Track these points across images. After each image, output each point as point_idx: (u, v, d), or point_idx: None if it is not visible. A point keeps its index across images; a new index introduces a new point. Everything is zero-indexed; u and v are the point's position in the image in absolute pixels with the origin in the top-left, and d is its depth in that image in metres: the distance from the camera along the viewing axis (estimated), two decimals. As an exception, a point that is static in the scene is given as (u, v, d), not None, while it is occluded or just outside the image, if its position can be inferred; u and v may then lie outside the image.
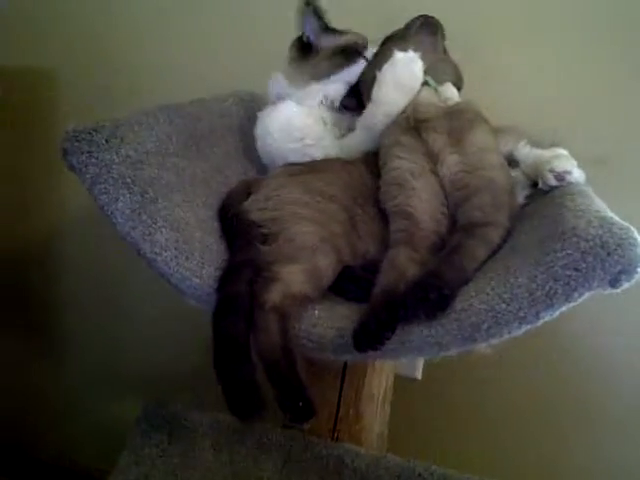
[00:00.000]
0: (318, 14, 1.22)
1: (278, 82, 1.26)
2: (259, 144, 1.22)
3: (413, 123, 1.05)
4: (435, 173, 1.00)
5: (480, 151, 1.00)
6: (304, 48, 1.25)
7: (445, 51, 1.23)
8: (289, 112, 1.19)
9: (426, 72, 1.11)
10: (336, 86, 1.21)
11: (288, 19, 1.22)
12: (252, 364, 0.83)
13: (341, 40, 1.24)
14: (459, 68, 1.21)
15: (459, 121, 1.03)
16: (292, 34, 1.25)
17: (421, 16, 1.19)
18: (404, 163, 1.02)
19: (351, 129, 1.19)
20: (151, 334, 1.89)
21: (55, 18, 1.71)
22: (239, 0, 1.59)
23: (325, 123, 1.19)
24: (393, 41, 1.19)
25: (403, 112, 1.08)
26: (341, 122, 1.21)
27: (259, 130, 1.22)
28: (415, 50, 1.10)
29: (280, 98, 1.23)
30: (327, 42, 1.25)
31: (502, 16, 1.45)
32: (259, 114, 1.24)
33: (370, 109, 1.12)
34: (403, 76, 1.09)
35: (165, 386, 1.77)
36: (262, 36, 1.49)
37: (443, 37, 1.22)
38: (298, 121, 1.18)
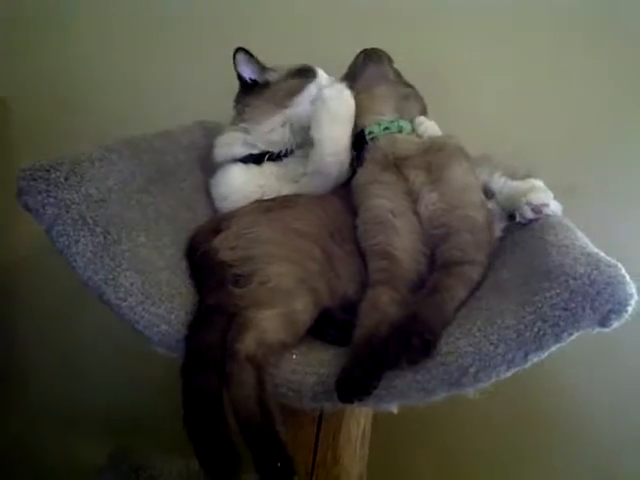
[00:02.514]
0: (252, 57, 1.20)
1: (228, 143, 1.20)
2: (219, 206, 1.17)
3: (393, 160, 1.03)
4: (415, 211, 0.98)
5: (460, 189, 0.98)
6: (251, 88, 1.20)
7: (399, 74, 1.22)
8: (240, 178, 1.15)
9: (398, 115, 1.11)
10: (301, 108, 1.16)
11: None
12: (225, 421, 0.76)
13: (290, 67, 1.21)
14: (419, 93, 1.20)
15: (439, 157, 1.01)
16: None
17: (362, 51, 1.21)
18: (384, 202, 0.99)
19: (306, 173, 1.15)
20: (117, 370, 1.79)
21: (7, 47, 1.64)
22: (200, 30, 1.57)
23: (276, 176, 1.16)
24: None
25: (380, 149, 1.05)
26: (294, 169, 1.16)
27: (215, 195, 1.18)
28: (367, 87, 1.10)
29: (230, 159, 1.18)
30: (274, 75, 1.21)
31: (471, 44, 1.45)
32: (211, 181, 1.19)
33: (315, 152, 1.09)
34: (336, 109, 1.07)
35: (132, 426, 1.68)
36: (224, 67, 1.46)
37: (390, 62, 1.22)
38: (251, 184, 1.14)
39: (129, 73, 1.60)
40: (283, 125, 1.17)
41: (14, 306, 1.84)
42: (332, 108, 1.07)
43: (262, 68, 1.21)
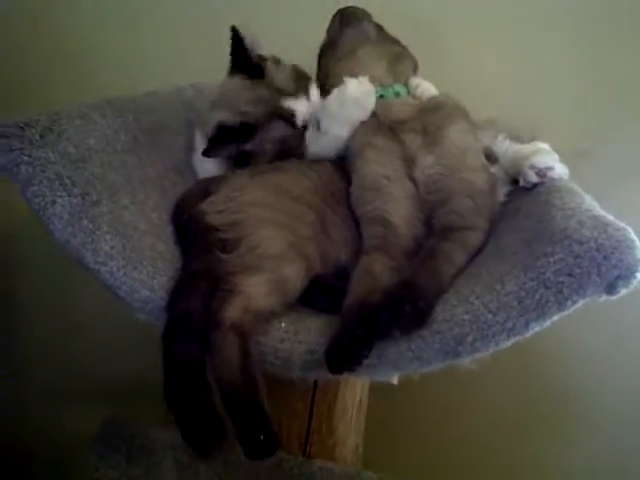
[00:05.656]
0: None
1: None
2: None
3: (388, 124, 0.98)
4: (411, 177, 0.93)
5: (458, 151, 0.93)
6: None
7: (381, 30, 1.14)
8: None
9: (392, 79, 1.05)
10: None
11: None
12: (209, 391, 0.73)
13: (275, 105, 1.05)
14: (407, 49, 1.13)
15: (436, 119, 0.96)
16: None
17: (337, 13, 1.12)
18: (379, 167, 0.94)
19: None
20: (110, 342, 1.77)
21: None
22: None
23: None
24: (326, 57, 1.10)
25: (375, 114, 1.00)
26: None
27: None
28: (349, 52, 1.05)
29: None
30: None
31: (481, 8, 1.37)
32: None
33: (315, 138, 1.03)
34: (353, 113, 1.00)
35: (126, 399, 1.66)
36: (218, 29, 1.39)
37: (369, 19, 1.13)
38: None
39: (123, 44, 1.53)
40: None
41: (12, 275, 1.81)
42: (349, 111, 0.99)
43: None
